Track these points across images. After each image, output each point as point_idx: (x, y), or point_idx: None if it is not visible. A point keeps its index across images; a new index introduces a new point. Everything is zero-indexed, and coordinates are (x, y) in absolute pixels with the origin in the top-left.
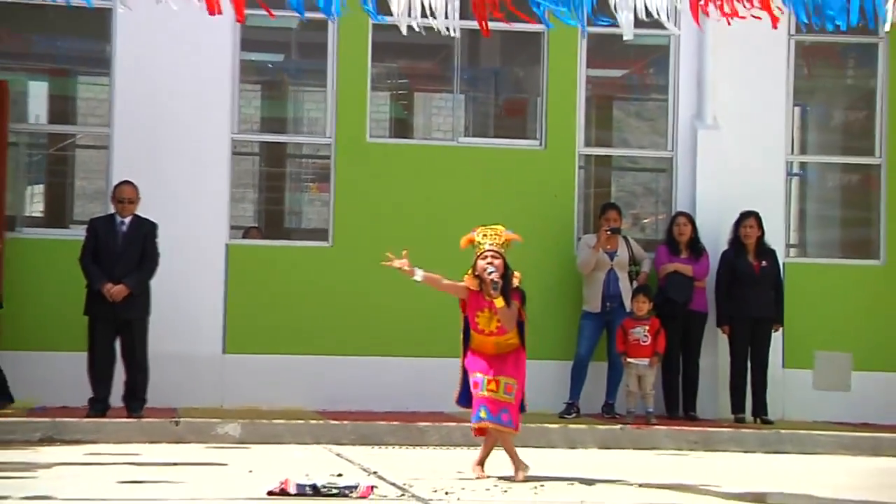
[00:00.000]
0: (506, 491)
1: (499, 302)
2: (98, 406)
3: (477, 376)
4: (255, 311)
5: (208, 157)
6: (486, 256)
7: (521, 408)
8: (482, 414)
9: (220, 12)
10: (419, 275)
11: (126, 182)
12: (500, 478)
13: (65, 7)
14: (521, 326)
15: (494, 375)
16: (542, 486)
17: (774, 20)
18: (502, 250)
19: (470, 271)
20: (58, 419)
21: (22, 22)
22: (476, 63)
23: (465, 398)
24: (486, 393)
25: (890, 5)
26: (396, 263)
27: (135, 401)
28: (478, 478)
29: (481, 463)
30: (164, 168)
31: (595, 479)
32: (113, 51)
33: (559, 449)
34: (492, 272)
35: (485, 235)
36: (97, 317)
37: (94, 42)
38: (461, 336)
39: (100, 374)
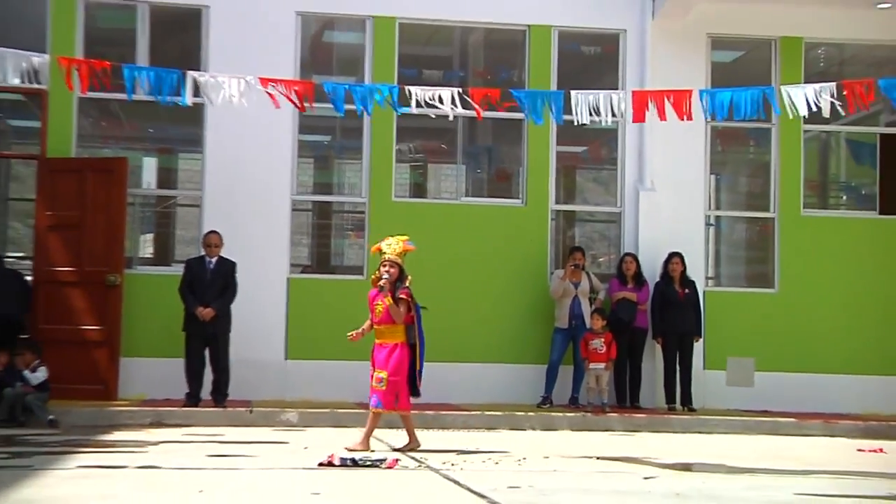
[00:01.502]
0: (497, 463)
1: (388, 300)
2: (192, 399)
3: (372, 370)
4: (309, 327)
5: (274, 212)
6: (386, 265)
7: (415, 392)
8: (372, 401)
9: (278, 106)
10: (367, 325)
11: (213, 231)
12: (395, 449)
13: (169, 104)
14: (417, 326)
15: (375, 370)
16: (524, 459)
17: (680, 116)
18: (399, 259)
19: (376, 272)
20: (162, 408)
21: (138, 115)
22: (474, 141)
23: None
24: (375, 385)
25: (792, 99)
26: (356, 336)
27: (219, 395)
28: (362, 450)
29: (366, 438)
30: (241, 221)
31: (565, 454)
32: (204, 134)
33: (538, 431)
34: (385, 278)
35: (388, 245)
36: (192, 332)
37: (191, 128)
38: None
39: (193, 375)
